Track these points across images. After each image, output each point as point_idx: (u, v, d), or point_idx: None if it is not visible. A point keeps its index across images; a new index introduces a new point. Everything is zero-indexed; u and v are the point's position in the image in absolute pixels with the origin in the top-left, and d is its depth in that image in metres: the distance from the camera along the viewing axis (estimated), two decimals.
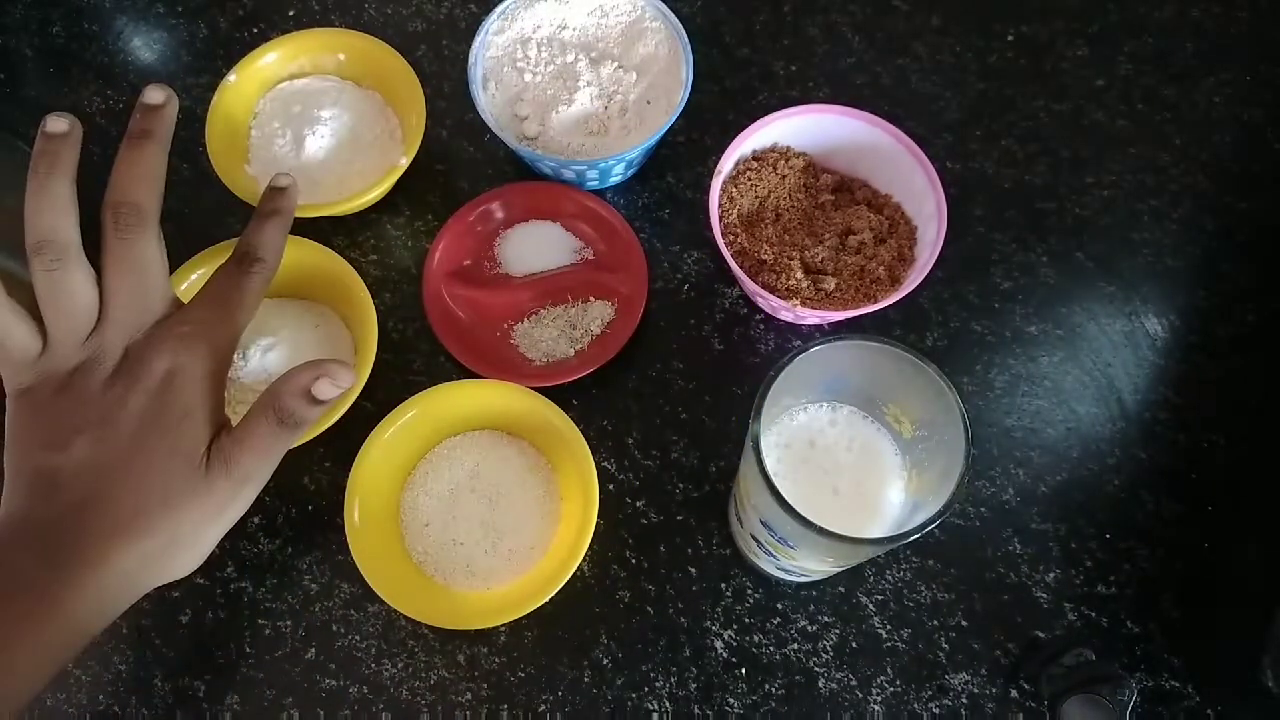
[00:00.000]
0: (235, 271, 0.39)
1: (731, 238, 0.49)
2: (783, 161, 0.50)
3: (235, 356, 0.48)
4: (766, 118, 0.49)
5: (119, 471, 0.34)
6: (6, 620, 0.32)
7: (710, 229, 0.47)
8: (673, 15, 0.52)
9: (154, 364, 0.35)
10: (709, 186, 0.48)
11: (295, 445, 0.45)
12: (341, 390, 0.37)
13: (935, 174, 0.47)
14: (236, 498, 0.36)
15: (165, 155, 0.39)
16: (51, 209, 0.36)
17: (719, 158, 0.48)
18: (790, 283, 0.47)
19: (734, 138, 0.49)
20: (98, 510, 0.34)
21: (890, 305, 0.45)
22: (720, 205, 0.49)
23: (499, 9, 0.53)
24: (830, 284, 0.48)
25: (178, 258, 0.50)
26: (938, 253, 0.45)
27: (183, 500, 0.35)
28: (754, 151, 0.51)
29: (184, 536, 0.35)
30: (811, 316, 0.47)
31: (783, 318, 0.51)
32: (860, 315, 0.47)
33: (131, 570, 0.34)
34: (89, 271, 0.37)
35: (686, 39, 0.52)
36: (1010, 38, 0.60)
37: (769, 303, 0.47)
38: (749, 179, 0.50)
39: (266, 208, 0.42)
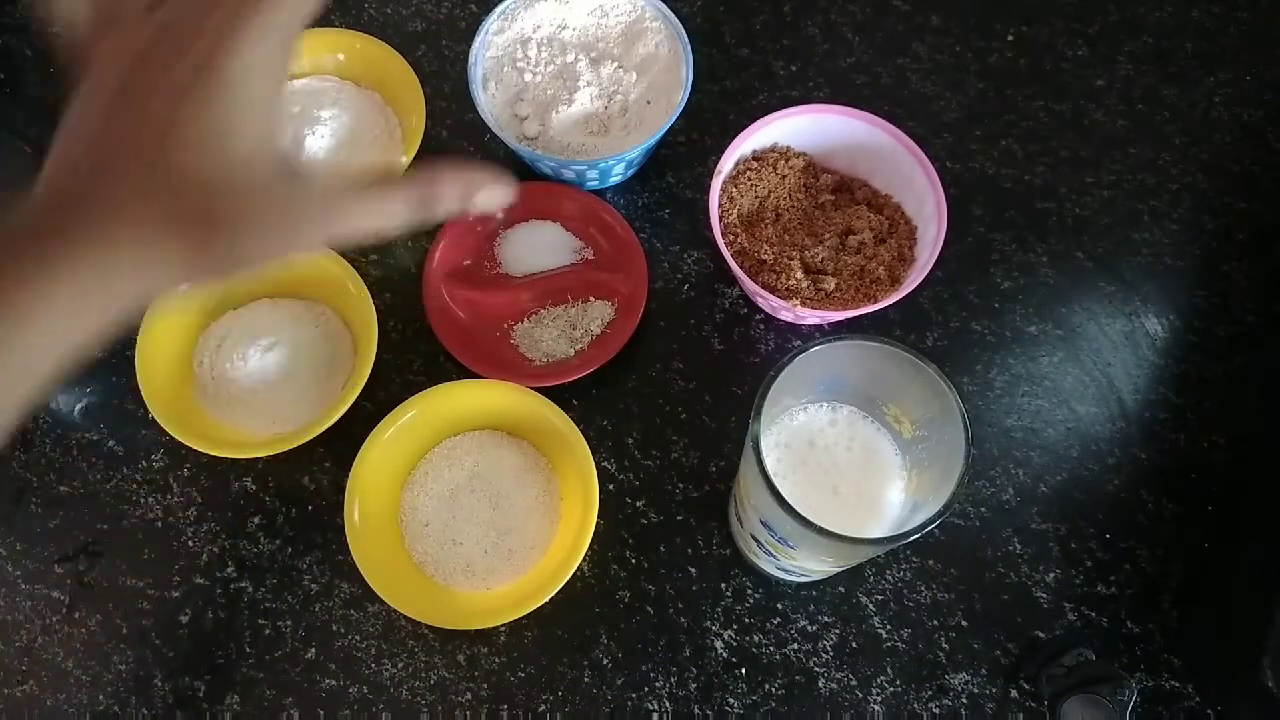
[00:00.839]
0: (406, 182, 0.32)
1: (731, 238, 0.49)
2: (783, 161, 0.50)
3: (234, 355, 0.48)
4: (766, 118, 0.49)
5: (147, 160, 0.28)
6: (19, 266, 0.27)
7: (710, 229, 0.47)
8: (673, 15, 0.52)
9: (201, 36, 0.29)
10: (709, 186, 0.48)
11: (294, 446, 0.45)
12: (502, 206, 0.33)
13: (935, 174, 0.47)
14: (311, 222, 0.31)
15: None
16: None
17: (719, 158, 0.48)
18: (790, 283, 0.47)
19: (734, 138, 0.49)
20: (115, 193, 0.28)
21: (890, 305, 0.45)
22: (720, 205, 0.49)
23: (499, 9, 0.53)
24: (830, 284, 0.47)
25: None
26: (938, 253, 0.45)
27: (233, 182, 0.29)
28: (754, 151, 0.51)
29: (214, 218, 0.29)
30: (811, 316, 0.47)
31: (783, 318, 0.51)
32: (860, 315, 0.47)
33: (139, 250, 0.28)
34: None
35: (686, 39, 0.52)
36: (1010, 38, 0.60)
37: (769, 303, 0.47)
38: (749, 179, 0.50)
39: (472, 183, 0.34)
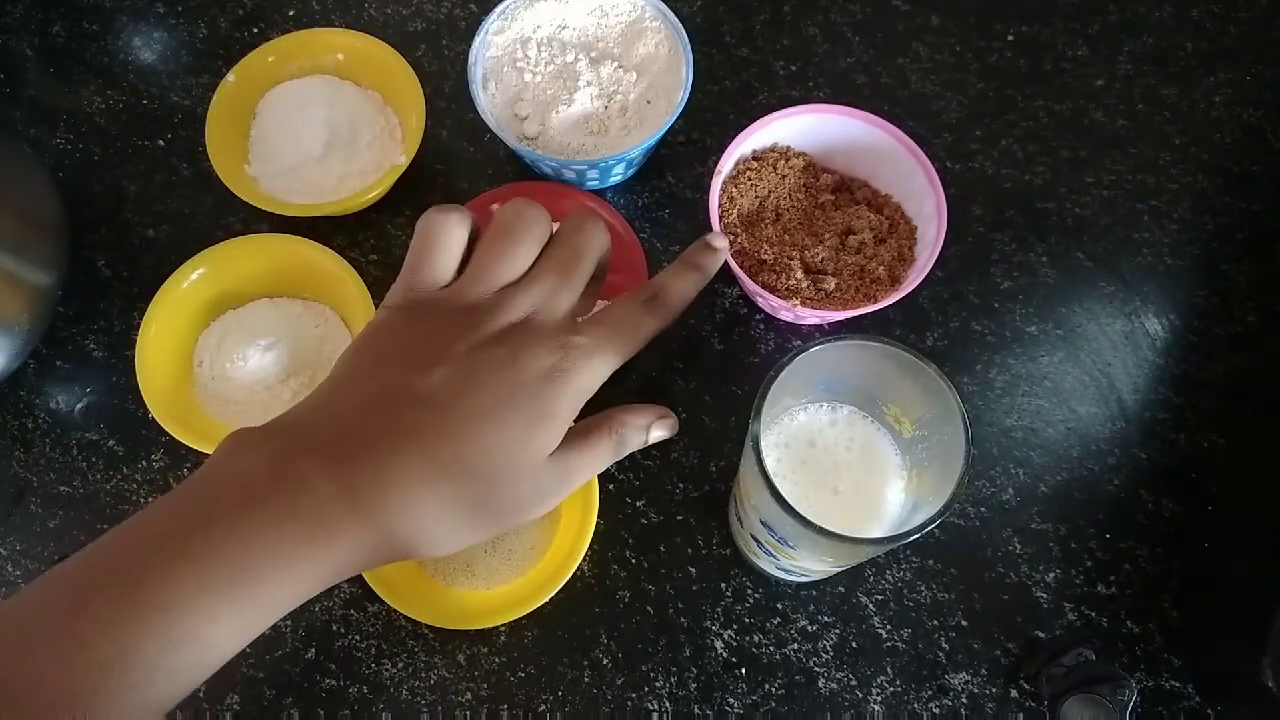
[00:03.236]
0: (639, 308, 0.39)
1: (731, 237, 0.49)
2: (783, 161, 0.50)
3: (234, 355, 0.48)
4: (766, 117, 0.49)
5: (462, 421, 0.32)
6: (288, 541, 0.29)
7: (710, 229, 0.47)
8: (673, 15, 0.52)
9: (543, 352, 0.34)
10: (709, 186, 0.48)
11: None
12: (669, 435, 0.40)
13: (935, 174, 0.47)
14: (556, 493, 0.35)
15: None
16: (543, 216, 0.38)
17: (719, 158, 0.48)
18: (790, 283, 0.47)
19: (734, 138, 0.49)
20: (419, 443, 0.32)
21: (890, 305, 0.45)
22: (720, 205, 0.49)
23: (499, 9, 0.53)
24: (830, 284, 0.47)
25: (178, 257, 0.50)
26: (938, 252, 0.45)
27: (508, 477, 0.33)
28: (754, 151, 0.51)
29: (484, 507, 0.33)
30: (811, 316, 0.47)
31: (782, 317, 0.51)
32: (860, 315, 0.47)
33: (419, 519, 0.31)
34: (536, 250, 0.38)
35: (686, 39, 0.52)
36: (1010, 38, 0.60)
37: (769, 303, 0.47)
38: (749, 179, 0.50)
39: (692, 260, 0.42)
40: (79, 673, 0.26)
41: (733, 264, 0.47)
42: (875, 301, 0.46)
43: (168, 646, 0.27)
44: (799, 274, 0.47)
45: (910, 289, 0.45)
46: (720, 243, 0.42)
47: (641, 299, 0.39)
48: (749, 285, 0.47)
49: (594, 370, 0.36)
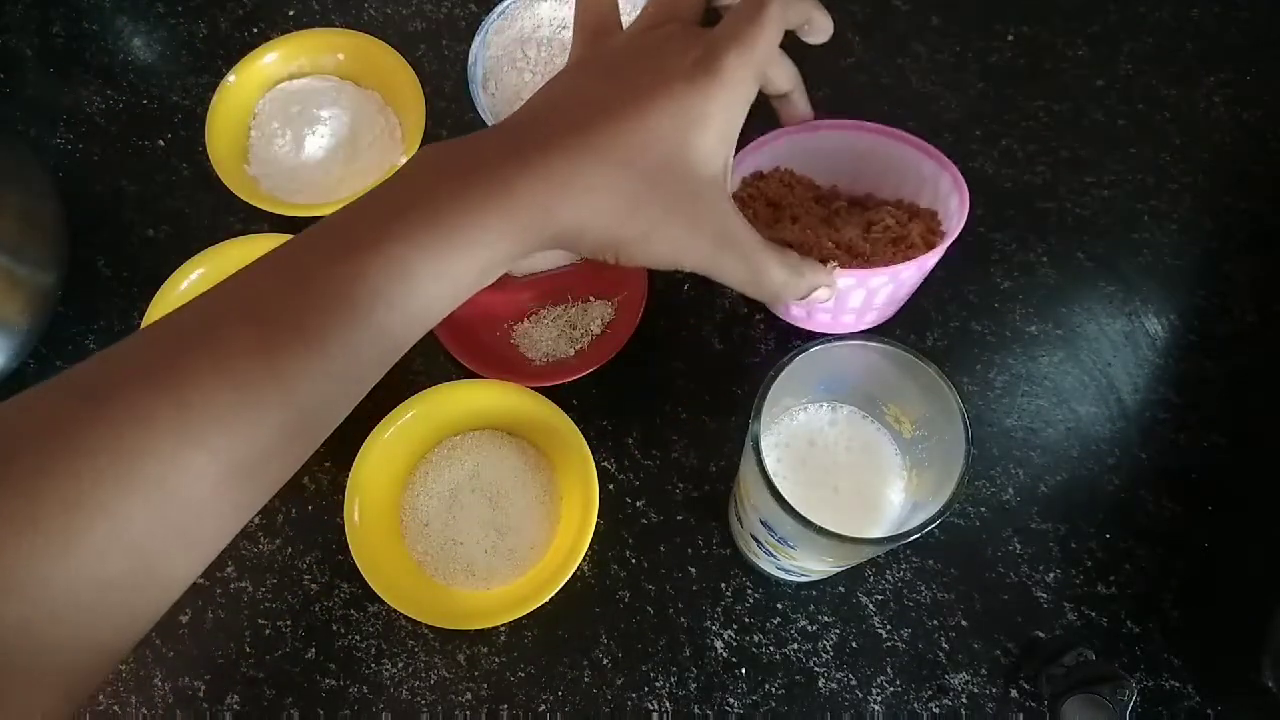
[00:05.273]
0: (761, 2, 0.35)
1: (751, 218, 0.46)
2: (790, 179, 0.49)
3: None
4: (768, 135, 0.47)
5: (617, 111, 0.32)
6: (474, 197, 0.31)
7: None
8: None
9: (691, 47, 0.34)
10: None
11: None
12: (824, 300, 0.40)
13: (940, 153, 0.45)
14: (725, 251, 0.35)
15: None
16: None
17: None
18: (822, 254, 0.43)
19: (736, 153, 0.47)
20: (581, 131, 0.32)
21: (937, 257, 0.43)
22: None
23: (499, 9, 0.53)
24: (866, 247, 0.44)
25: (178, 257, 0.50)
26: (963, 222, 0.43)
27: (668, 169, 0.33)
28: (759, 173, 0.49)
29: (644, 200, 0.33)
30: (847, 274, 0.42)
31: (794, 315, 0.49)
32: (899, 273, 0.43)
33: (579, 190, 0.32)
34: None
35: None
36: (1010, 38, 0.60)
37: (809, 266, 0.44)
38: (759, 190, 0.48)
39: None
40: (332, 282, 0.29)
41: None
42: (912, 260, 0.42)
43: (390, 278, 0.29)
44: (829, 245, 0.44)
45: (950, 241, 0.42)
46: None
47: None
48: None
49: (745, 54, 0.34)
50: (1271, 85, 0.58)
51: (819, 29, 0.37)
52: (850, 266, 0.43)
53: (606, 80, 0.34)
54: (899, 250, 0.45)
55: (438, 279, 0.30)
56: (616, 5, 0.38)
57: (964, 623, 0.46)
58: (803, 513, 0.32)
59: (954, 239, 0.43)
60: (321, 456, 0.50)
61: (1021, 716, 0.45)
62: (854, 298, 0.44)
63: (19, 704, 0.25)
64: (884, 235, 0.46)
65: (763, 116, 0.58)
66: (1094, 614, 0.47)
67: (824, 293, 0.39)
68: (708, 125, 0.33)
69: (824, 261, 0.42)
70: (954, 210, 0.45)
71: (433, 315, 0.32)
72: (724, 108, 0.34)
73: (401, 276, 0.30)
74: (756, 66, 0.34)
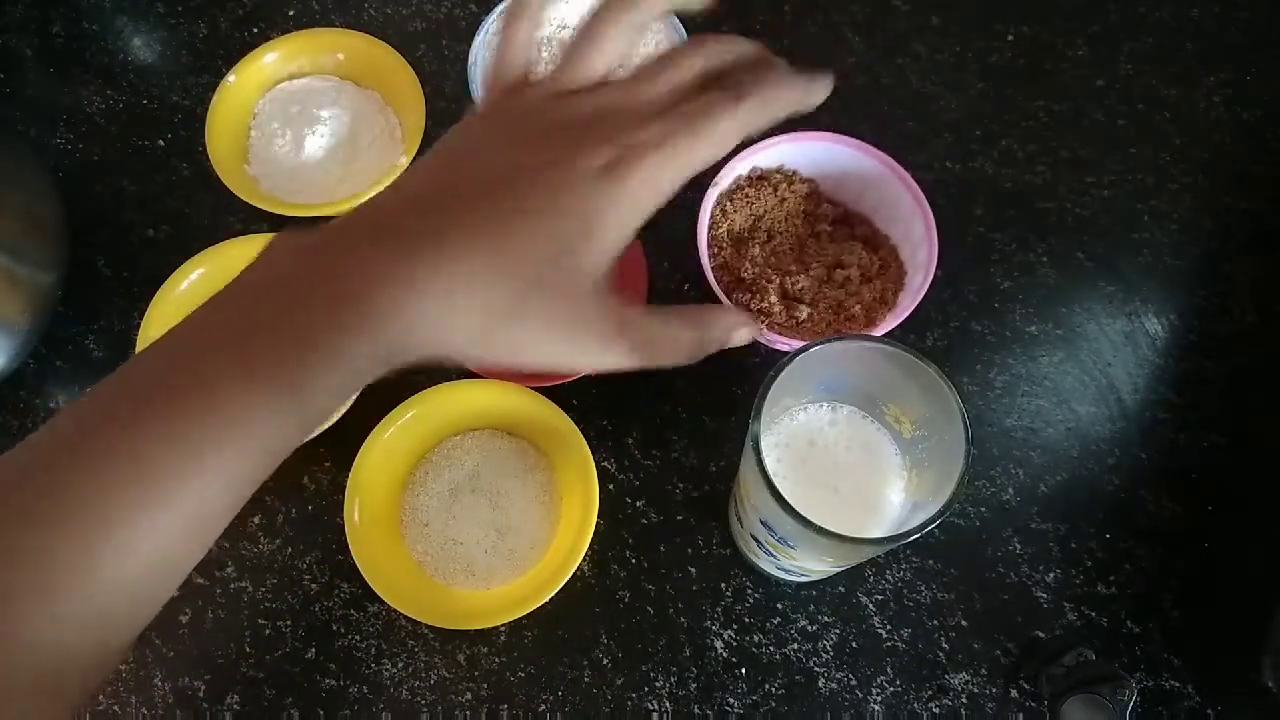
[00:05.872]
0: (722, 102, 0.32)
1: (716, 249, 0.49)
2: (785, 185, 0.50)
3: None
4: (776, 138, 0.48)
5: (507, 214, 0.29)
6: (320, 311, 0.27)
7: (697, 239, 0.47)
8: (673, 15, 0.52)
9: (606, 148, 0.31)
10: (707, 187, 0.48)
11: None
12: (746, 342, 0.36)
13: (934, 226, 0.46)
14: (599, 346, 0.31)
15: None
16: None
17: (718, 165, 0.48)
18: (764, 304, 0.47)
19: (737, 149, 0.48)
20: (462, 229, 0.29)
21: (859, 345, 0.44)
22: (712, 217, 0.49)
23: (499, 9, 0.53)
24: (804, 313, 0.47)
25: (178, 257, 0.50)
26: (917, 301, 0.45)
27: (545, 283, 0.29)
28: (758, 170, 0.50)
29: (514, 315, 0.29)
30: (778, 342, 0.46)
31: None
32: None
33: (437, 308, 0.28)
34: (627, 44, 0.34)
35: (686, 38, 0.52)
36: (1010, 38, 0.60)
37: None
38: (746, 196, 0.50)
39: (796, 77, 0.35)
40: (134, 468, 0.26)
41: (711, 280, 0.46)
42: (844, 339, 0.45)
43: (214, 431, 0.27)
44: (774, 298, 0.47)
45: (883, 333, 0.45)
46: (826, 80, 0.35)
47: (731, 96, 0.32)
48: (724, 302, 0.46)
49: (657, 171, 0.31)
50: (1271, 85, 0.59)
51: (810, 105, 0.34)
52: (779, 330, 0.46)
53: (510, 151, 0.31)
54: (836, 319, 0.47)
55: (273, 432, 0.28)
56: (534, 52, 0.36)
57: (964, 623, 0.46)
58: (803, 513, 0.32)
59: (895, 324, 0.45)
60: (321, 456, 0.50)
61: (1021, 716, 0.45)
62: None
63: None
64: (834, 294, 0.48)
65: None
66: (1094, 614, 0.47)
67: (746, 334, 0.36)
68: (605, 232, 0.31)
69: (760, 313, 0.46)
70: (921, 263, 0.46)
71: (273, 462, 0.29)
72: (628, 216, 0.31)
73: (235, 429, 0.27)
74: (679, 177, 0.31)
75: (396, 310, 0.28)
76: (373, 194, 0.33)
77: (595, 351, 0.32)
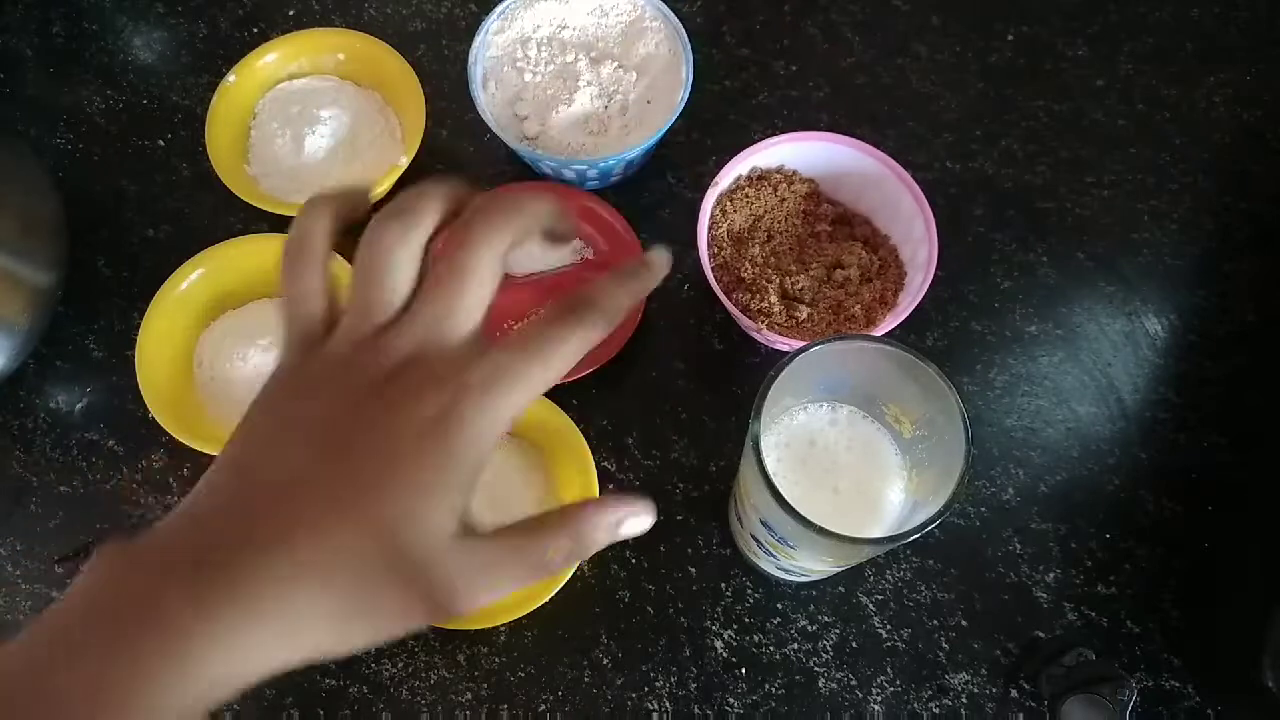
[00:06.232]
0: (561, 320, 0.30)
1: (716, 249, 0.49)
2: (785, 184, 0.50)
3: (234, 355, 0.48)
4: (777, 137, 0.48)
5: (326, 507, 0.26)
6: (138, 657, 0.25)
7: (697, 239, 0.47)
8: (673, 15, 0.52)
9: (423, 400, 0.27)
10: (707, 186, 0.48)
11: None
12: (644, 530, 0.30)
13: (934, 224, 0.46)
14: (459, 598, 0.28)
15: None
16: (439, 193, 0.30)
17: (719, 158, 0.48)
18: (764, 305, 0.47)
19: (734, 140, 0.48)
20: (280, 540, 0.26)
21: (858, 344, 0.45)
22: (712, 217, 0.49)
23: (499, 9, 0.53)
24: (803, 313, 0.47)
25: (177, 258, 0.50)
26: (917, 301, 0.45)
27: (393, 566, 0.27)
28: (758, 170, 0.50)
29: (368, 611, 0.27)
30: (779, 342, 0.47)
31: (754, 337, 0.51)
32: None
33: (283, 622, 0.26)
34: (419, 260, 0.30)
35: (686, 38, 0.52)
36: (1010, 38, 0.60)
37: (741, 321, 0.47)
38: (745, 196, 0.50)
39: (630, 266, 0.33)
40: None
41: (711, 279, 0.46)
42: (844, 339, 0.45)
43: None
44: (774, 298, 0.47)
45: (882, 333, 0.45)
46: (660, 256, 0.33)
47: (562, 308, 0.30)
48: (724, 301, 0.46)
49: (495, 411, 0.28)
50: (1271, 85, 0.58)
51: (653, 285, 0.32)
52: (779, 330, 0.46)
53: (322, 430, 0.28)
54: (836, 320, 0.48)
55: None
56: (328, 296, 0.31)
57: (964, 623, 0.46)
58: (803, 513, 0.32)
59: (895, 324, 0.45)
60: None
61: (1021, 716, 0.45)
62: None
63: None
64: (834, 294, 0.48)
65: (763, 116, 0.58)
66: (1094, 614, 0.47)
67: (635, 525, 0.30)
68: (449, 489, 0.27)
69: (755, 321, 0.46)
70: (921, 263, 0.46)
71: None
72: (474, 459, 0.28)
73: None
74: (523, 405, 0.28)
75: (222, 643, 0.25)
76: (182, 507, 0.29)
77: (463, 603, 0.28)
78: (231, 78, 0.54)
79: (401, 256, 0.29)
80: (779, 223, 0.50)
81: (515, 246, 0.30)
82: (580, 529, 0.29)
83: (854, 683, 0.45)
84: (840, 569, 0.43)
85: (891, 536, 0.33)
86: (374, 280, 0.29)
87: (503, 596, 0.28)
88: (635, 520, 0.30)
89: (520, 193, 0.31)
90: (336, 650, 0.27)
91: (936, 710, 0.45)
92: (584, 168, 0.51)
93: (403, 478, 0.27)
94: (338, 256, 0.37)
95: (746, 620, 0.47)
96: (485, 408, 0.27)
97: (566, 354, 0.29)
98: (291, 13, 0.61)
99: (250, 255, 0.50)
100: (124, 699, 0.24)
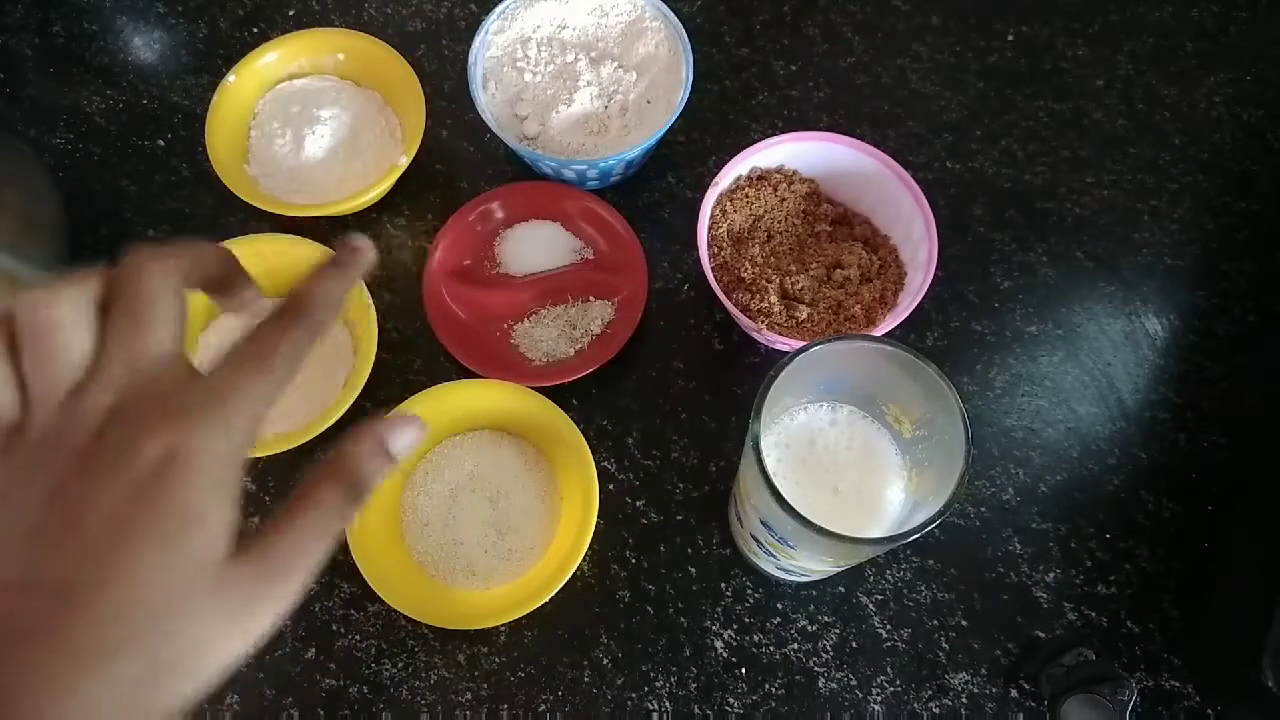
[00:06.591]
0: (274, 327, 0.29)
1: (716, 249, 0.49)
2: (785, 184, 0.50)
3: None
4: (778, 137, 0.49)
5: (87, 592, 0.24)
6: None
7: (697, 239, 0.47)
8: (673, 15, 0.52)
9: (142, 445, 0.25)
10: (707, 186, 0.48)
11: (294, 446, 0.45)
12: (419, 437, 0.31)
13: (934, 224, 0.46)
14: (268, 598, 0.27)
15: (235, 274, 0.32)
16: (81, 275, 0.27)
17: (719, 158, 0.48)
18: (764, 305, 0.47)
19: (734, 140, 0.49)
20: (49, 640, 0.24)
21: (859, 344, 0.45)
22: (712, 217, 0.49)
23: (499, 9, 0.53)
24: (803, 313, 0.47)
25: None
26: (917, 301, 0.45)
27: (183, 607, 0.25)
28: (758, 170, 0.50)
29: (179, 655, 0.26)
30: (779, 342, 0.47)
31: (754, 337, 0.51)
32: None
33: (97, 704, 0.24)
34: (88, 312, 0.27)
35: (686, 39, 0.52)
36: (1010, 38, 0.60)
37: (741, 321, 0.47)
38: (745, 196, 0.50)
39: (329, 259, 0.32)
40: None
41: (711, 279, 0.46)
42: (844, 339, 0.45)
43: None
44: (774, 298, 0.47)
45: (882, 333, 0.45)
46: (360, 242, 0.32)
47: (274, 315, 0.30)
48: (724, 300, 0.46)
49: (227, 430, 0.26)
50: (1271, 85, 0.59)
51: (359, 275, 0.31)
52: (779, 330, 0.46)
53: (37, 513, 0.25)
54: (836, 320, 0.48)
55: None
56: (13, 382, 0.27)
57: (964, 623, 0.46)
58: (803, 513, 0.32)
59: (894, 324, 0.45)
60: (322, 456, 0.50)
61: (1021, 716, 0.45)
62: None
63: None
64: (834, 294, 0.48)
65: (763, 116, 0.58)
66: (1094, 614, 0.47)
67: (403, 439, 0.30)
68: (205, 519, 0.26)
69: (755, 321, 0.46)
70: (921, 263, 0.46)
71: None
72: (220, 496, 0.26)
73: None
74: (249, 430, 0.27)
75: None
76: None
77: (270, 608, 0.27)
78: (231, 78, 0.54)
79: (64, 313, 0.26)
80: (779, 223, 0.50)
81: (188, 283, 0.29)
82: (346, 468, 0.29)
83: (854, 683, 0.45)
84: (840, 569, 0.43)
85: (891, 536, 0.33)
86: (43, 346, 0.26)
87: (301, 583, 0.28)
88: (400, 435, 0.30)
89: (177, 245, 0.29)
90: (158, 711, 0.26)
91: (936, 710, 0.45)
92: (584, 168, 0.51)
93: (157, 524, 0.25)
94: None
95: (746, 620, 0.47)
96: (217, 425, 0.26)
97: (289, 355, 0.28)
98: (291, 13, 0.61)
99: (249, 256, 0.50)
100: None
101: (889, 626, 0.46)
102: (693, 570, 0.48)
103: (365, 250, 0.32)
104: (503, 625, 0.46)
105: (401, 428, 0.30)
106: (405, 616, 0.44)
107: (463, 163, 0.57)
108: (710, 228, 0.49)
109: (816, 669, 0.46)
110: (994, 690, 0.45)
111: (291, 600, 0.28)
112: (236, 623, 0.27)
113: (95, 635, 0.24)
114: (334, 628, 0.47)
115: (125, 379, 0.26)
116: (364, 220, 0.55)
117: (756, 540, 0.41)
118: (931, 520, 0.32)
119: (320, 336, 0.29)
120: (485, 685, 0.46)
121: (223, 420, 0.26)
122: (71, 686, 0.24)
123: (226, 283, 0.31)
